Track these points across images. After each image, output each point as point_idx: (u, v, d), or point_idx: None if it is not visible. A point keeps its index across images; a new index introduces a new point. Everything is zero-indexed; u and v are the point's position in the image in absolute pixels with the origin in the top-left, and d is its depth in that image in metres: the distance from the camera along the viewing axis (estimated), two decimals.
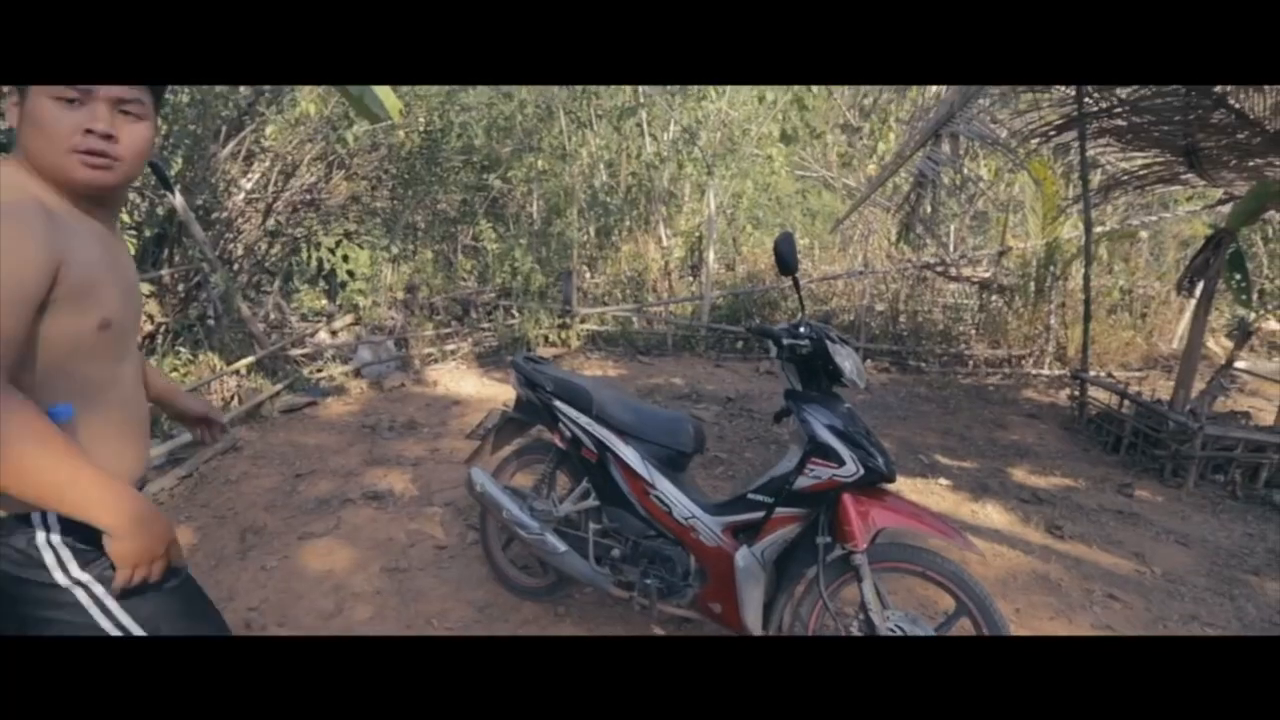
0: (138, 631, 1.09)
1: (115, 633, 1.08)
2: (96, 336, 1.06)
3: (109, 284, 1.08)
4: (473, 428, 2.80)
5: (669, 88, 7.65)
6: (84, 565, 1.07)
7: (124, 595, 1.08)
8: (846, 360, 1.94)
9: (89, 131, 1.04)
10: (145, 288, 4.95)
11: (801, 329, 1.97)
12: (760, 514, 2.01)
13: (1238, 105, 4.12)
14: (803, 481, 1.91)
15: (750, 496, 2.04)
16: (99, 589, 1.07)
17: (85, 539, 1.05)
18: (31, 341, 0.99)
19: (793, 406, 2.00)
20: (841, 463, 1.86)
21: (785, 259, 1.91)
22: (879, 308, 7.32)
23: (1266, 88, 3.96)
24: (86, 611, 1.07)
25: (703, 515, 2.11)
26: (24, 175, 1.04)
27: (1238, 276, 4.67)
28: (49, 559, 1.05)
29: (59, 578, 1.06)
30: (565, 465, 2.48)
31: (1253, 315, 5.63)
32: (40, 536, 1.05)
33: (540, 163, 7.81)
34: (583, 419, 2.26)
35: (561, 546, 2.30)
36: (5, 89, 1.29)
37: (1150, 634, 2.65)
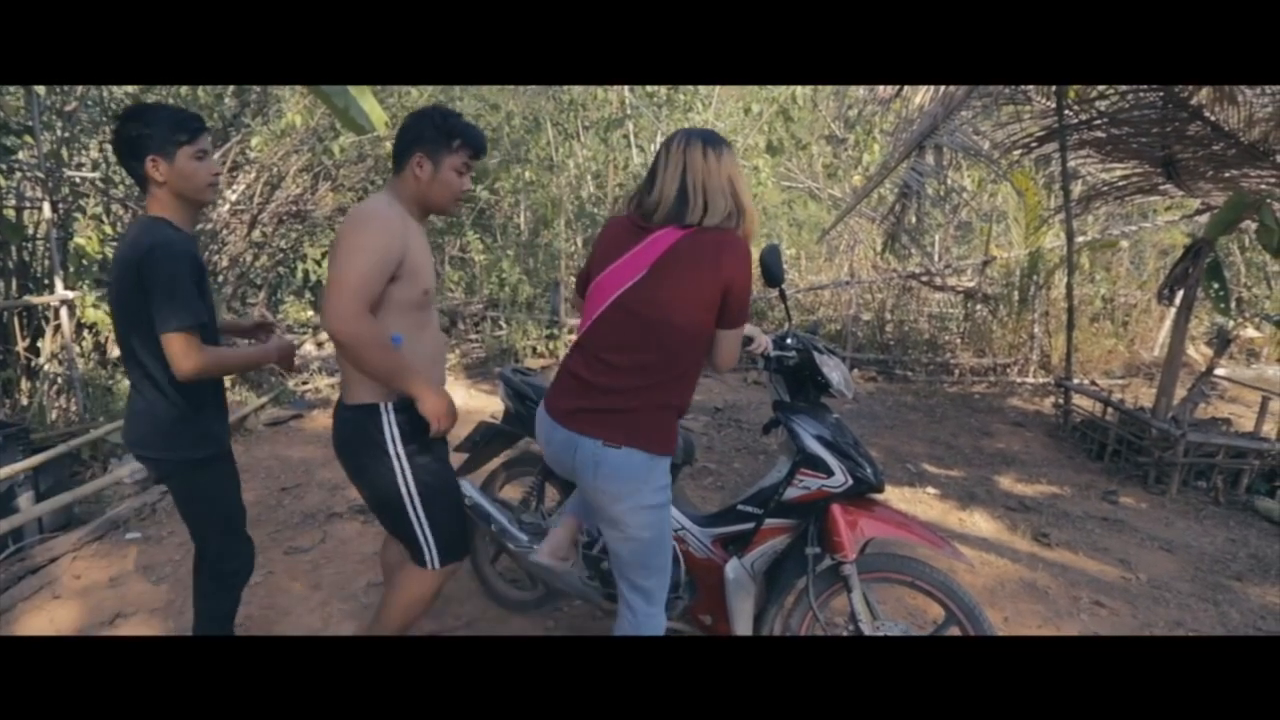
0: (417, 498, 1.77)
1: (404, 491, 1.76)
2: (421, 298, 1.73)
3: (428, 267, 1.76)
4: (460, 440, 2.78)
5: (656, 100, 7.68)
6: (404, 443, 1.74)
7: (419, 451, 1.76)
8: (834, 371, 1.95)
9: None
10: None
11: (789, 340, 1.97)
12: (750, 525, 2.00)
13: (1213, 117, 4.20)
14: (792, 492, 1.91)
15: (739, 508, 2.04)
16: (405, 463, 1.75)
17: (409, 426, 1.74)
18: (386, 298, 1.65)
19: (781, 417, 2.01)
20: (830, 473, 1.87)
21: (772, 271, 1.91)
22: (865, 317, 7.38)
23: (1240, 100, 4.03)
24: (394, 473, 1.75)
25: (692, 527, 2.11)
26: (394, 199, 1.74)
27: (1216, 285, 4.73)
28: (387, 435, 1.73)
29: (390, 449, 1.74)
30: (554, 477, 2.46)
31: (1231, 323, 5.72)
32: (385, 419, 1.73)
33: (528, 174, 7.81)
34: None
35: None
36: (417, 155, 1.74)
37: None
